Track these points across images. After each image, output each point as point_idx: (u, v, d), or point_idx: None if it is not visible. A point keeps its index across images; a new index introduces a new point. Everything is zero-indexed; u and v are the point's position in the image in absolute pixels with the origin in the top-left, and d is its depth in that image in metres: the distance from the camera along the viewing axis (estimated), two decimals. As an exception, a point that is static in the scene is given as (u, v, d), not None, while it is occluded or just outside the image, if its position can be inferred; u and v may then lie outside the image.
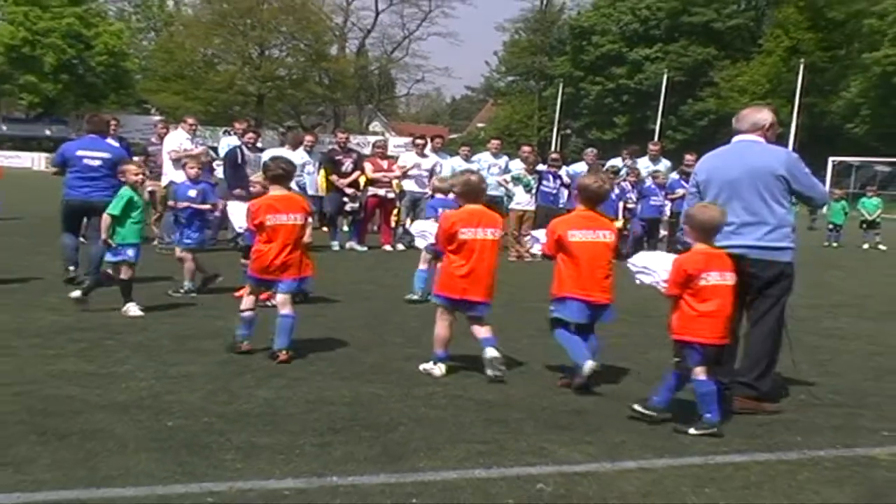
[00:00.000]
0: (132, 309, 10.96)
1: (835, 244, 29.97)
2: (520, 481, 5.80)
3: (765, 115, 8.21)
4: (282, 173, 9.54)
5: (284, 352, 8.91)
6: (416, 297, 12.78)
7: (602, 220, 8.77)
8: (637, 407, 7.37)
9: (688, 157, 22.67)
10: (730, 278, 7.34)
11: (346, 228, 21.10)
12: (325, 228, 21.56)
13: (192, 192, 13.03)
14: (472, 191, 8.99)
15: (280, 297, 9.27)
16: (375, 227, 21.40)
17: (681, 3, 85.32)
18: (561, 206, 20.76)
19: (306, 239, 9.71)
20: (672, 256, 7.78)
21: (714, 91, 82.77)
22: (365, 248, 20.00)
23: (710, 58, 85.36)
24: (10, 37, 79.92)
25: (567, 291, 8.42)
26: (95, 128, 13.80)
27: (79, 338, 9.40)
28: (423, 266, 12.68)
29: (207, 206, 13.02)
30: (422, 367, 8.78)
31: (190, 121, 19.56)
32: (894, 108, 70.28)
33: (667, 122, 78.88)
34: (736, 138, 8.26)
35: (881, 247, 30.42)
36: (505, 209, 21.65)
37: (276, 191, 9.51)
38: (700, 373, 7.22)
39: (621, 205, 20.95)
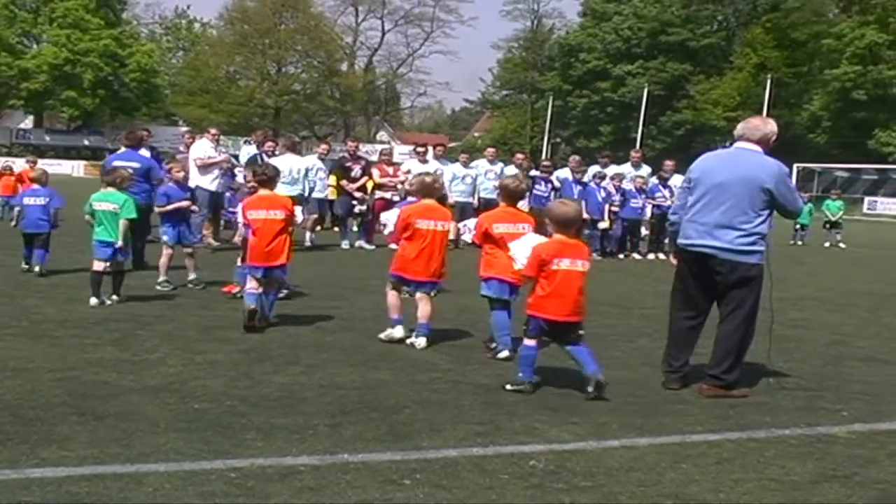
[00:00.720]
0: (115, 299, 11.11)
1: (800, 242, 29.91)
2: (514, 458, 5.80)
3: (772, 128, 8.01)
4: (265, 178, 10.41)
5: (267, 319, 10.03)
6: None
7: (521, 215, 9.39)
8: (508, 387, 7.67)
9: (667, 163, 22.76)
10: (581, 265, 7.64)
11: (355, 229, 21.04)
12: (336, 229, 21.61)
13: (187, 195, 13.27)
14: (424, 188, 9.69)
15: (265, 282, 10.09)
16: (382, 228, 21.40)
17: (659, 24, 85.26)
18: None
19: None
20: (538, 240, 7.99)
21: (690, 103, 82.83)
22: (373, 247, 19.96)
23: (686, 73, 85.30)
24: (54, 57, 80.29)
25: (494, 274, 9.01)
26: (130, 142, 15.20)
27: (114, 328, 9.42)
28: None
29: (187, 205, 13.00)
30: (382, 335, 9.42)
31: (213, 131, 19.52)
32: (852, 120, 70.82)
33: (647, 132, 78.85)
34: (737, 144, 8.04)
35: (842, 245, 30.38)
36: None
37: (262, 191, 10.34)
38: (529, 340, 7.71)
39: (607, 207, 20.94)
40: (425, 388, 7.56)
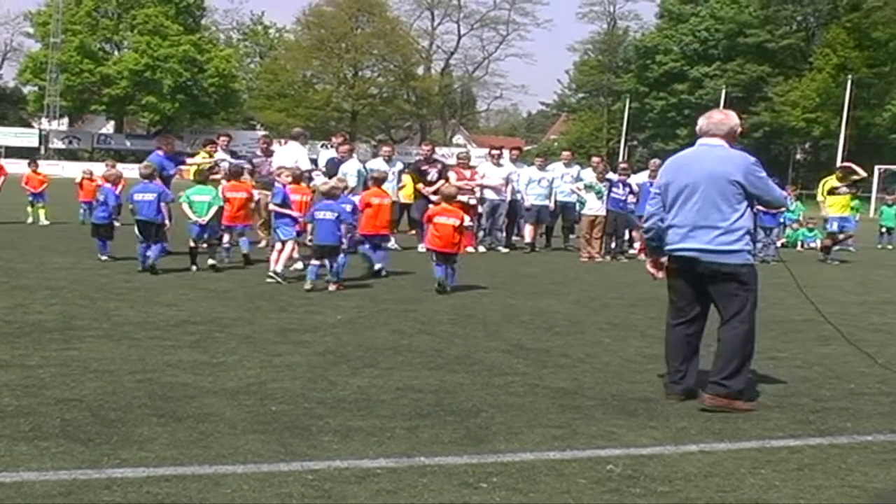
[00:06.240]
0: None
1: (889, 247, 29.33)
2: (591, 462, 5.76)
3: (736, 120, 7.67)
4: (237, 172, 16.04)
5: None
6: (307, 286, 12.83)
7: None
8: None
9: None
10: (453, 220, 13.45)
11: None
12: (412, 232, 21.56)
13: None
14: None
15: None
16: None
17: (737, 25, 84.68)
18: (630, 211, 20.62)
19: None
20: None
21: (768, 105, 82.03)
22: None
23: (764, 75, 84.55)
24: (135, 63, 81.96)
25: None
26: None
27: (192, 330, 9.52)
28: (315, 262, 13.09)
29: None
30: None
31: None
32: (935, 121, 69.52)
33: (725, 134, 78.22)
34: (700, 141, 7.72)
35: (889, 247, 29.56)
36: (578, 214, 21.59)
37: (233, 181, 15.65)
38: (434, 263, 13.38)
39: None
40: (502, 391, 7.53)
